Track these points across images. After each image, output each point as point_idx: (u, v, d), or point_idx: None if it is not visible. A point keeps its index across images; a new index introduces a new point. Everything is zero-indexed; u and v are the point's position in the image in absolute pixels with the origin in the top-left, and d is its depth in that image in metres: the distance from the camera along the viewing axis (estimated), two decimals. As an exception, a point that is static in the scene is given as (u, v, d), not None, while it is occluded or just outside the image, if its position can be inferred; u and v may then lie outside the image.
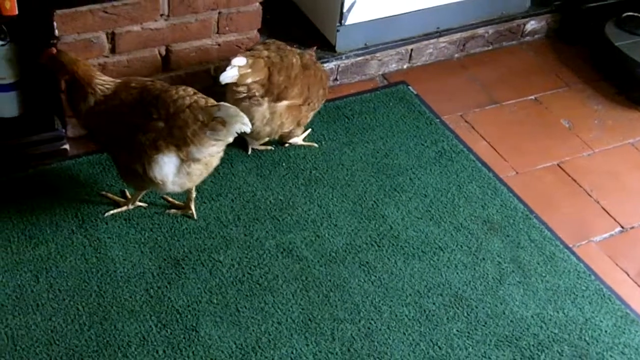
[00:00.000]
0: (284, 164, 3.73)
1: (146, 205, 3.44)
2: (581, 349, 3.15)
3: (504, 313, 3.23)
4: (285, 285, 3.22)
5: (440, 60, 4.54)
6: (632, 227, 3.73)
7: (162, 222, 3.40)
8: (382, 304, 3.20)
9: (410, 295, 3.25)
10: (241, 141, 3.66)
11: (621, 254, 3.59)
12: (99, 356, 2.90)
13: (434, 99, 4.22)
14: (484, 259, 3.43)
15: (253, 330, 3.05)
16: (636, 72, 4.41)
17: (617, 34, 4.56)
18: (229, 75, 3.35)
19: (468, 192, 3.72)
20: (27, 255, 3.19)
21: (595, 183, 3.92)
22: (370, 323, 3.13)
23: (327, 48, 4.19)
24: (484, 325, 3.18)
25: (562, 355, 3.12)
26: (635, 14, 4.64)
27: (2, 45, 3.39)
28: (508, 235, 3.55)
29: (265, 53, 3.48)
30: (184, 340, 2.99)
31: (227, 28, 3.73)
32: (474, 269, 3.39)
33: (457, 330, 3.15)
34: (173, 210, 3.44)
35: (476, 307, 3.24)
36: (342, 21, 4.06)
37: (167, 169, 3.11)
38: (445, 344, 3.10)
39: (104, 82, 3.15)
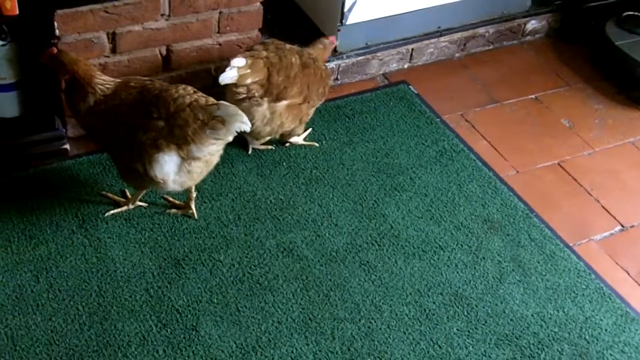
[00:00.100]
0: (284, 164, 3.73)
1: (146, 205, 3.44)
2: (581, 347, 3.15)
3: (504, 312, 3.24)
4: (285, 284, 3.23)
5: (441, 60, 4.55)
6: (632, 226, 3.73)
7: (163, 222, 3.40)
8: (383, 303, 3.20)
9: (410, 294, 3.26)
10: (242, 141, 3.66)
11: (621, 252, 3.59)
12: (99, 356, 2.90)
13: (435, 99, 4.23)
14: (484, 258, 3.44)
15: (253, 330, 3.05)
16: (636, 71, 4.40)
17: (617, 33, 4.56)
18: (228, 76, 3.35)
19: (468, 191, 3.72)
20: (27, 255, 3.19)
21: (595, 182, 3.92)
22: (370, 322, 3.14)
23: (327, 48, 4.19)
24: (484, 324, 3.18)
25: (562, 354, 3.12)
26: (636, 14, 4.64)
27: (3, 45, 3.39)
28: (508, 234, 3.55)
29: (264, 53, 3.48)
30: (184, 340, 2.99)
31: (228, 28, 3.73)
32: (474, 268, 3.39)
33: (457, 329, 3.16)
34: (173, 210, 3.44)
35: (476, 306, 3.24)
36: (343, 21, 4.06)
37: (168, 168, 3.11)
38: (445, 343, 3.10)
39: (104, 82, 3.15)
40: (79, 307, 3.04)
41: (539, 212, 3.68)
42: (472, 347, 3.10)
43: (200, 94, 3.11)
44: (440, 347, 3.09)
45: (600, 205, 3.81)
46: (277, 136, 3.72)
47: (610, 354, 3.15)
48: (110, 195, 3.45)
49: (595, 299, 3.34)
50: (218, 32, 3.73)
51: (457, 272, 3.36)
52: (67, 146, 3.60)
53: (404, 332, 3.12)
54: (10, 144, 3.50)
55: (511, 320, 3.21)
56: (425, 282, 3.31)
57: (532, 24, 4.74)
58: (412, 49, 4.40)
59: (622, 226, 3.72)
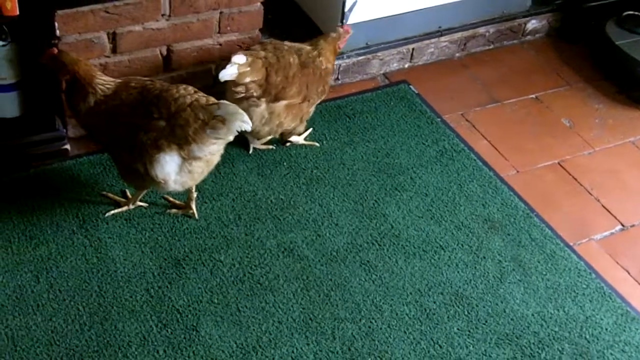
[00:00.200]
0: (285, 164, 3.73)
1: (147, 205, 3.45)
2: (582, 347, 3.15)
3: (505, 311, 3.24)
4: (286, 284, 3.23)
5: (441, 60, 4.55)
6: (633, 226, 3.73)
7: (163, 222, 3.40)
8: (383, 303, 3.21)
9: (411, 294, 3.26)
10: (242, 141, 3.66)
11: (622, 252, 3.59)
12: (100, 356, 2.90)
13: (435, 98, 4.23)
14: (484, 257, 3.44)
15: (254, 330, 3.05)
16: (637, 71, 4.41)
17: (617, 32, 4.56)
18: (228, 73, 3.35)
19: (469, 191, 3.72)
20: (27, 256, 3.19)
21: (595, 181, 3.92)
22: (371, 322, 3.14)
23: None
24: (484, 324, 3.18)
25: (563, 354, 3.12)
26: (636, 13, 4.64)
27: (3, 45, 3.39)
28: (509, 234, 3.55)
29: (262, 54, 3.48)
30: (184, 340, 2.99)
31: (228, 28, 3.74)
32: (475, 267, 3.39)
33: (458, 329, 3.16)
34: (174, 210, 3.45)
35: (477, 306, 3.24)
36: (344, 20, 4.05)
37: (169, 168, 3.11)
38: (445, 343, 3.10)
39: (104, 82, 3.15)
40: (79, 308, 3.05)
41: (539, 211, 3.68)
42: (473, 347, 3.10)
43: (201, 93, 3.12)
44: (440, 346, 3.09)
45: (600, 204, 3.81)
46: (278, 135, 3.72)
47: (611, 354, 3.15)
48: (110, 195, 3.46)
49: (595, 299, 3.34)
50: (219, 32, 3.73)
51: (458, 272, 3.36)
52: (67, 146, 3.60)
53: (405, 332, 3.12)
54: (11, 145, 3.50)
55: (512, 319, 3.21)
56: (425, 281, 3.31)
57: (533, 24, 4.74)
58: (413, 49, 4.40)
59: (623, 226, 3.72)
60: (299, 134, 3.82)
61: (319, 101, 3.77)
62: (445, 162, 3.85)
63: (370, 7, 4.11)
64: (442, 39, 4.47)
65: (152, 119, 3.07)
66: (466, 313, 3.21)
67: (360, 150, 3.85)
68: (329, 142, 3.87)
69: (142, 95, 3.12)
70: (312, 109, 3.76)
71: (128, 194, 3.47)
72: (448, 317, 3.19)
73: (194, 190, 3.39)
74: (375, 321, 3.14)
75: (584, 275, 3.42)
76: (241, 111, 3.03)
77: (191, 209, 3.43)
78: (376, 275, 3.30)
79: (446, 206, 3.64)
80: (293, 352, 3.00)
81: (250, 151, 3.76)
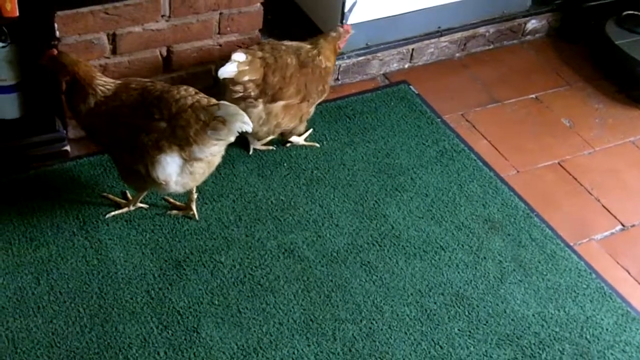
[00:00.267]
0: (285, 164, 3.73)
1: (147, 206, 3.45)
2: (582, 347, 3.15)
3: (505, 312, 3.24)
4: (286, 285, 3.23)
5: (441, 60, 4.55)
6: (633, 225, 3.73)
7: (163, 224, 3.40)
8: (384, 304, 3.21)
9: (411, 294, 3.26)
10: (242, 141, 3.66)
11: (622, 252, 3.59)
12: (100, 358, 2.90)
13: (435, 99, 4.23)
14: (485, 258, 3.44)
15: (254, 331, 3.05)
16: (636, 70, 4.40)
17: (617, 32, 4.56)
18: (227, 70, 3.35)
19: (469, 191, 3.72)
20: (28, 258, 3.19)
21: (596, 181, 3.92)
22: (371, 323, 3.14)
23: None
24: (485, 324, 3.18)
25: (563, 354, 3.12)
26: (636, 13, 4.64)
27: (3, 47, 3.39)
28: (509, 234, 3.55)
29: (260, 54, 3.48)
30: (185, 341, 2.99)
31: (228, 28, 3.73)
32: (475, 268, 3.39)
33: (459, 330, 3.16)
34: (174, 212, 3.44)
35: (477, 306, 3.24)
36: (344, 21, 4.04)
37: (170, 169, 3.11)
38: (446, 343, 3.10)
39: (104, 83, 3.15)
40: (79, 309, 3.05)
41: (539, 211, 3.68)
42: (474, 347, 3.10)
43: (202, 95, 3.11)
44: (441, 347, 3.09)
45: (600, 204, 3.81)
46: (278, 135, 3.72)
47: (612, 354, 3.15)
48: (111, 196, 3.46)
49: (596, 299, 3.34)
50: (218, 33, 3.73)
51: (458, 272, 3.36)
52: (67, 148, 3.60)
53: (405, 333, 3.12)
54: (11, 146, 3.50)
55: (512, 320, 3.21)
56: (426, 282, 3.31)
57: (533, 24, 4.74)
58: (413, 49, 4.40)
59: (623, 225, 3.72)
60: (300, 135, 3.82)
61: (319, 101, 3.76)
62: (446, 162, 3.85)
63: (370, 7, 4.11)
64: (442, 39, 4.47)
65: (153, 120, 3.07)
66: (467, 313, 3.21)
67: (361, 150, 3.85)
68: (329, 142, 3.87)
69: (143, 97, 3.12)
70: (312, 109, 3.75)
71: (128, 195, 3.47)
72: (449, 317, 3.19)
73: (194, 191, 3.39)
74: (376, 322, 3.14)
75: (585, 276, 3.42)
76: (242, 112, 3.03)
77: (191, 210, 3.43)
78: (377, 276, 3.30)
79: (446, 206, 3.64)
80: (294, 353, 3.00)
81: (251, 152, 3.76)
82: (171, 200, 3.48)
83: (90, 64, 3.28)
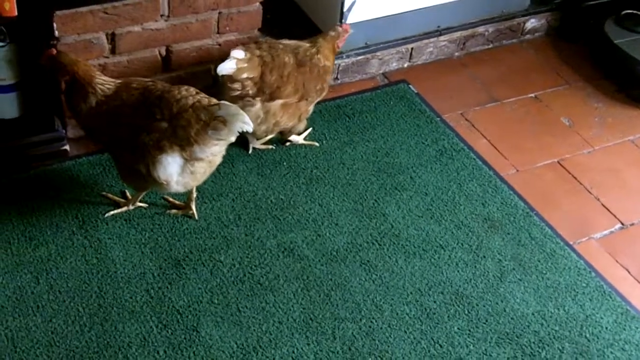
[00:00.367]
0: (285, 163, 3.73)
1: (147, 205, 3.45)
2: (582, 345, 3.15)
3: (505, 310, 3.24)
4: (286, 284, 3.23)
5: (440, 59, 4.55)
6: (632, 224, 3.73)
7: (163, 223, 3.40)
8: (383, 303, 3.21)
9: (411, 293, 3.26)
10: (242, 141, 3.66)
11: (621, 250, 3.59)
12: (100, 357, 2.90)
13: (435, 98, 4.23)
14: (484, 256, 3.44)
15: (254, 330, 3.05)
16: (636, 69, 4.41)
17: (616, 31, 4.57)
18: (226, 67, 3.36)
19: (468, 190, 3.72)
20: (27, 257, 3.19)
21: (595, 180, 3.92)
22: (371, 322, 3.14)
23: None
24: (484, 323, 3.18)
25: (563, 352, 3.12)
26: (635, 12, 4.64)
27: (2, 46, 3.39)
28: (508, 233, 3.55)
29: (257, 52, 3.48)
30: (184, 340, 2.99)
31: (227, 28, 3.74)
32: (475, 266, 3.39)
33: (458, 328, 3.16)
34: (174, 211, 3.44)
35: (477, 305, 3.24)
36: (343, 20, 4.05)
37: (171, 169, 3.11)
38: (446, 342, 3.10)
39: (104, 82, 3.15)
40: (79, 309, 3.05)
41: (539, 210, 3.68)
42: (473, 346, 3.10)
43: (202, 94, 3.11)
44: (441, 346, 3.09)
45: (600, 203, 3.81)
46: (277, 134, 3.72)
47: (611, 352, 3.14)
48: (110, 196, 3.46)
49: (595, 297, 3.34)
50: (217, 33, 3.73)
51: (458, 271, 3.36)
52: (67, 147, 3.60)
53: (405, 332, 3.12)
54: (10, 145, 3.50)
55: (512, 318, 3.21)
56: (425, 281, 3.31)
57: (532, 23, 4.74)
58: (412, 48, 4.40)
59: (622, 224, 3.72)
60: (299, 134, 3.82)
61: (318, 99, 3.76)
62: (445, 161, 3.85)
63: (369, 6, 4.12)
64: (441, 38, 4.47)
65: (155, 120, 3.07)
66: (466, 312, 3.21)
67: (360, 149, 3.85)
68: (328, 141, 3.87)
69: (144, 96, 3.12)
70: (311, 108, 3.75)
71: (128, 194, 3.47)
72: (448, 316, 3.19)
73: (194, 190, 3.39)
74: (376, 321, 3.14)
75: (584, 274, 3.42)
76: (242, 112, 3.03)
77: (191, 209, 3.43)
78: (376, 275, 3.30)
79: (446, 205, 3.64)
80: (293, 352, 3.00)
81: (250, 151, 3.75)
82: (170, 199, 3.48)
83: (90, 63, 3.28)
